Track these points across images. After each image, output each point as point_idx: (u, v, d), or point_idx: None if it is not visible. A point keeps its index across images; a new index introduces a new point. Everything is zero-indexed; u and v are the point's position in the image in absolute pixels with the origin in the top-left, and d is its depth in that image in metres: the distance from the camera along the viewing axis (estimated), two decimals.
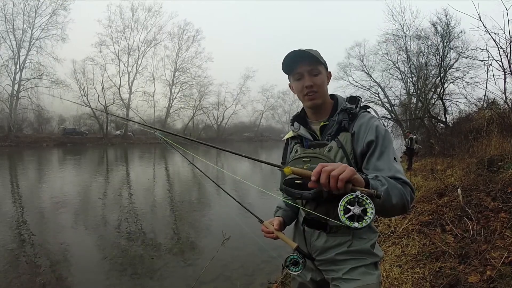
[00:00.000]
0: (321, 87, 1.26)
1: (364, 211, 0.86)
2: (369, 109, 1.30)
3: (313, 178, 0.89)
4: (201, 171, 1.70)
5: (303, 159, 1.22)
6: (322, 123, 1.28)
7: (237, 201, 1.60)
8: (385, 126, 1.22)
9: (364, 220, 0.86)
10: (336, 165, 0.89)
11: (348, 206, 0.87)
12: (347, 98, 1.31)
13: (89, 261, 4.71)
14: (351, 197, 0.87)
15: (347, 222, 0.86)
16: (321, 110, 1.31)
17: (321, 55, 1.28)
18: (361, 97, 1.32)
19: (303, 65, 1.24)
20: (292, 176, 1.22)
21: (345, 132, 1.21)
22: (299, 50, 1.24)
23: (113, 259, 4.84)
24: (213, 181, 1.72)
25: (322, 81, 1.26)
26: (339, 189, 0.87)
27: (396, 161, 1.15)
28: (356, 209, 0.86)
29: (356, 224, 0.86)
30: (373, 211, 0.86)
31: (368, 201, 0.86)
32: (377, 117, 1.25)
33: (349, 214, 0.87)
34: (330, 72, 1.32)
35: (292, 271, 1.27)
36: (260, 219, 1.42)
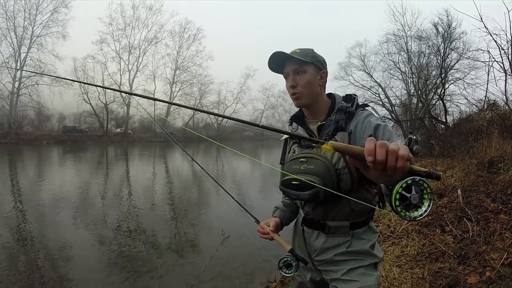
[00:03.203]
0: (306, 87, 1.23)
1: (421, 197, 0.71)
2: (367, 107, 1.28)
3: (369, 158, 0.67)
4: (201, 167, 1.69)
5: (300, 159, 1.22)
6: (319, 123, 1.26)
7: (236, 201, 1.61)
8: (384, 122, 1.20)
9: (420, 209, 0.71)
10: (385, 141, 0.69)
11: (404, 193, 0.70)
12: (342, 97, 1.30)
13: (88, 258, 4.72)
14: (409, 181, 0.69)
15: (404, 213, 0.70)
16: (314, 109, 1.30)
17: (315, 54, 1.26)
18: (357, 95, 1.30)
19: (289, 65, 1.24)
20: (289, 176, 1.22)
21: (342, 131, 1.20)
22: (280, 52, 1.22)
23: (113, 257, 4.84)
24: (214, 179, 1.72)
25: (307, 81, 1.23)
26: (396, 170, 0.67)
27: None
28: (414, 197, 0.70)
29: (415, 214, 0.70)
30: (431, 197, 0.70)
31: (426, 186, 0.70)
32: (376, 115, 1.24)
33: (405, 203, 0.70)
34: (324, 71, 1.27)
35: (285, 273, 1.27)
36: (257, 220, 1.42)
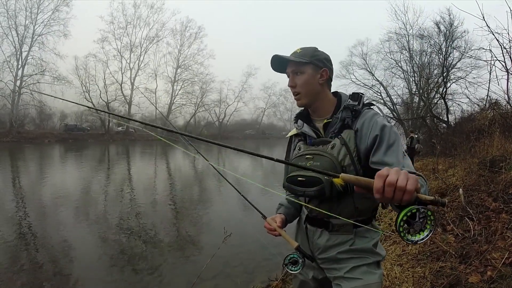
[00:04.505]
0: (304, 87, 1.26)
1: (424, 223, 0.78)
2: (373, 106, 1.29)
3: (376, 195, 0.75)
4: (213, 167, 1.69)
5: (306, 156, 1.23)
6: (325, 121, 1.27)
7: (244, 197, 1.63)
8: (389, 123, 1.21)
9: (422, 232, 0.78)
10: (395, 172, 0.75)
11: (410, 220, 0.77)
12: (349, 95, 1.30)
13: (90, 257, 4.73)
14: (414, 210, 0.76)
15: (406, 237, 0.78)
16: (318, 108, 1.31)
17: (316, 52, 1.27)
18: (364, 94, 1.30)
19: (289, 66, 1.28)
20: (296, 173, 1.23)
21: (349, 129, 1.21)
22: (278, 56, 1.27)
23: (114, 255, 4.86)
24: (229, 182, 1.71)
25: (304, 81, 1.25)
26: (402, 202, 0.74)
27: (405, 155, 1.14)
28: (417, 224, 0.77)
29: (416, 238, 0.78)
30: (434, 224, 0.78)
31: (430, 214, 0.77)
32: (381, 114, 1.24)
33: (409, 227, 0.78)
34: (325, 70, 1.27)
35: (290, 270, 1.27)
36: (264, 215, 1.42)
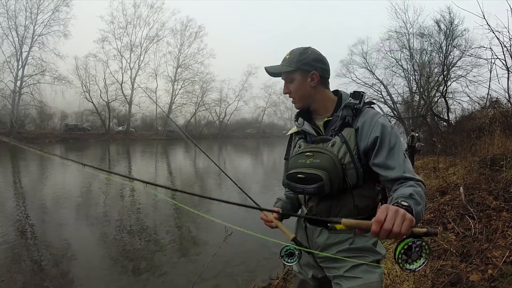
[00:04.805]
0: (296, 93, 1.29)
1: (420, 253, 0.86)
2: (373, 105, 1.29)
3: (373, 235, 0.84)
4: (209, 158, 1.70)
5: (306, 153, 1.23)
6: (325, 119, 1.27)
7: (240, 188, 1.61)
8: (390, 122, 1.21)
9: (419, 261, 0.86)
10: (392, 218, 0.82)
11: (407, 251, 0.86)
12: (350, 93, 1.30)
13: (91, 256, 4.74)
14: (410, 243, 0.85)
15: (404, 267, 0.86)
16: (316, 108, 1.31)
17: (303, 56, 1.25)
18: (365, 93, 1.30)
19: (282, 73, 1.31)
20: (295, 170, 1.24)
21: (349, 127, 1.21)
22: (268, 68, 1.32)
23: (115, 255, 4.87)
24: (232, 180, 1.72)
25: (295, 88, 1.28)
26: (398, 240, 0.85)
27: (406, 157, 1.15)
28: (414, 255, 0.86)
29: (413, 267, 0.86)
30: (428, 252, 0.86)
31: (425, 244, 0.85)
32: (381, 113, 1.24)
33: (406, 258, 0.86)
34: (314, 73, 1.25)
35: (286, 262, 1.27)
36: (260, 207, 1.42)
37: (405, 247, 0.85)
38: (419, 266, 0.86)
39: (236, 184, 1.65)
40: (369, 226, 0.85)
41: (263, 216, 1.34)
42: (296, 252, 1.26)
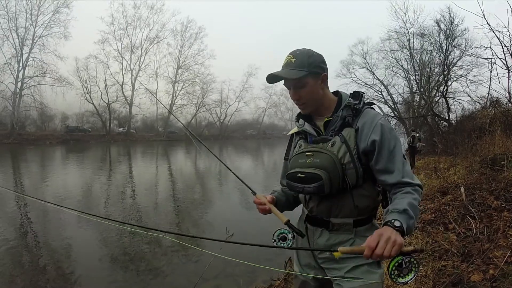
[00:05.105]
0: (308, 98, 1.25)
1: (410, 268, 0.97)
2: (373, 106, 1.29)
3: (366, 257, 0.98)
4: (209, 150, 1.70)
5: (306, 153, 1.24)
6: (326, 119, 1.27)
7: (234, 174, 1.61)
8: (390, 123, 1.22)
9: (410, 274, 0.97)
10: (383, 244, 0.94)
11: (398, 267, 0.97)
12: (350, 94, 1.30)
13: (92, 257, 4.75)
14: (400, 260, 0.96)
15: (396, 280, 0.97)
16: (320, 109, 1.30)
17: (311, 59, 1.22)
18: (365, 93, 1.30)
19: (289, 81, 1.25)
20: (295, 170, 1.24)
21: (349, 127, 1.21)
22: (273, 75, 1.24)
23: (116, 256, 4.87)
24: (236, 174, 1.73)
25: (309, 92, 1.23)
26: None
27: (405, 159, 1.17)
28: (404, 270, 0.97)
29: (404, 280, 0.97)
30: (417, 266, 0.98)
31: (413, 260, 0.96)
32: (381, 114, 1.25)
33: (399, 273, 0.97)
34: (325, 74, 1.25)
35: (279, 246, 1.27)
36: (253, 191, 1.42)
37: (396, 264, 0.96)
38: (411, 279, 0.97)
39: (231, 170, 1.66)
40: (362, 251, 0.97)
41: (256, 199, 1.34)
42: (289, 236, 1.26)
